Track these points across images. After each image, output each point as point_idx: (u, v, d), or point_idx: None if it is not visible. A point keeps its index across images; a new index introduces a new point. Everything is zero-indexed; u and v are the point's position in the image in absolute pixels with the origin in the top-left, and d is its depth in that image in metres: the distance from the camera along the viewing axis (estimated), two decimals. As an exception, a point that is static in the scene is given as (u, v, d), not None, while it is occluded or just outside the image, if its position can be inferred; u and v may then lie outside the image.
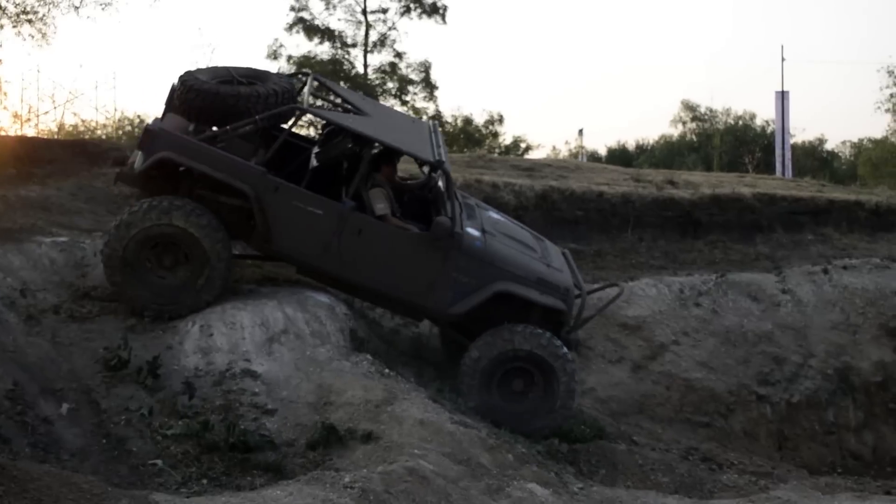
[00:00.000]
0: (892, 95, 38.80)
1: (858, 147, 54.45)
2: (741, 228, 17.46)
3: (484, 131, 33.94)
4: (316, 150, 11.18)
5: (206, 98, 10.23)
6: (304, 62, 34.05)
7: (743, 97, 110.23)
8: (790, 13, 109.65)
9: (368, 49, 35.12)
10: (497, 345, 10.30)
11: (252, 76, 10.91)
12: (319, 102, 12.07)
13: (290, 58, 35.29)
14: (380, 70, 34.72)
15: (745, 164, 37.89)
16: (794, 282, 15.89)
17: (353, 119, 10.81)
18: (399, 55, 34.87)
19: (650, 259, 16.41)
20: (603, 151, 54.13)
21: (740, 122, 54.53)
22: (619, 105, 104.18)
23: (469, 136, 32.83)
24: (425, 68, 34.68)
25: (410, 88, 34.53)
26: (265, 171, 9.96)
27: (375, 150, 10.75)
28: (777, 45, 61.94)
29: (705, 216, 17.30)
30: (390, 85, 34.46)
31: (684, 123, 57.58)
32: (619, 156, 49.57)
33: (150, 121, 10.92)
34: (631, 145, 57.59)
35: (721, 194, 17.75)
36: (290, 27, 35.82)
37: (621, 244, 16.60)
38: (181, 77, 10.45)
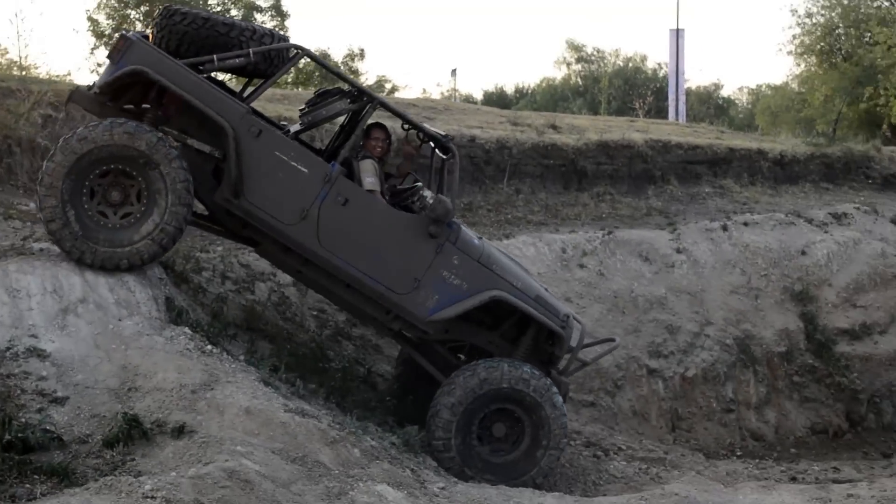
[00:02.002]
0: (794, 37, 39.04)
1: (756, 94, 55.16)
2: (631, 179, 17.10)
3: (343, 68, 32.86)
4: (303, 110, 10.30)
5: (195, 23, 9.46)
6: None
7: (634, 37, 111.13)
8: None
9: (209, -32, 33.76)
10: (487, 378, 9.49)
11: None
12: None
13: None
14: (217, -9, 33.43)
15: (636, 109, 37.62)
16: (690, 240, 15.63)
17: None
18: (245, -23, 33.56)
19: (528, 214, 15.86)
20: (479, 95, 53.78)
21: (630, 65, 54.76)
22: (497, 45, 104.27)
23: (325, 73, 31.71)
24: (276, -7, 33.55)
25: (257, 16, 33.31)
26: (250, 110, 9.31)
27: (370, 121, 10.10)
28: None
29: (591, 165, 16.85)
30: (234, 11, 33.12)
31: (569, 65, 57.66)
32: (497, 100, 49.15)
33: None
34: (510, 89, 57.42)
35: (609, 141, 17.33)
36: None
37: (495, 196, 16.04)
38: (164, 7, 9.65)
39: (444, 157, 10.34)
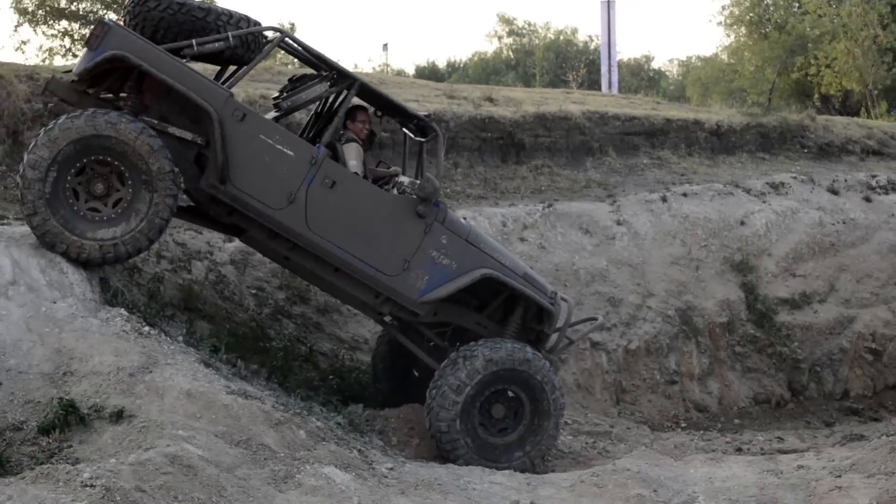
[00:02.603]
0: (724, 7, 39.18)
1: (687, 65, 55.40)
2: (569, 152, 16.98)
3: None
4: (278, 97, 10.13)
5: (171, 8, 9.24)
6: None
7: (565, 9, 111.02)
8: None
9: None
10: (491, 358, 9.37)
11: None
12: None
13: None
14: (149, -33, 32.49)
15: (569, 82, 37.53)
16: (630, 212, 15.56)
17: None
18: (170, -51, 32.60)
19: (467, 188, 15.69)
20: (411, 70, 53.31)
21: (562, 38, 54.72)
22: (427, 19, 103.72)
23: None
24: (203, -33, 32.74)
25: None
26: (232, 94, 9.08)
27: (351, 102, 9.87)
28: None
29: (529, 138, 16.69)
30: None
31: (500, 39, 57.49)
32: (429, 75, 48.70)
33: None
34: (442, 63, 57.07)
35: (546, 113, 17.17)
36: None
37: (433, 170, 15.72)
38: None
39: (424, 138, 10.26)
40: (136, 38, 8.86)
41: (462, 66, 55.70)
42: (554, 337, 10.20)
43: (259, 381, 9.17)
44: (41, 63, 23.42)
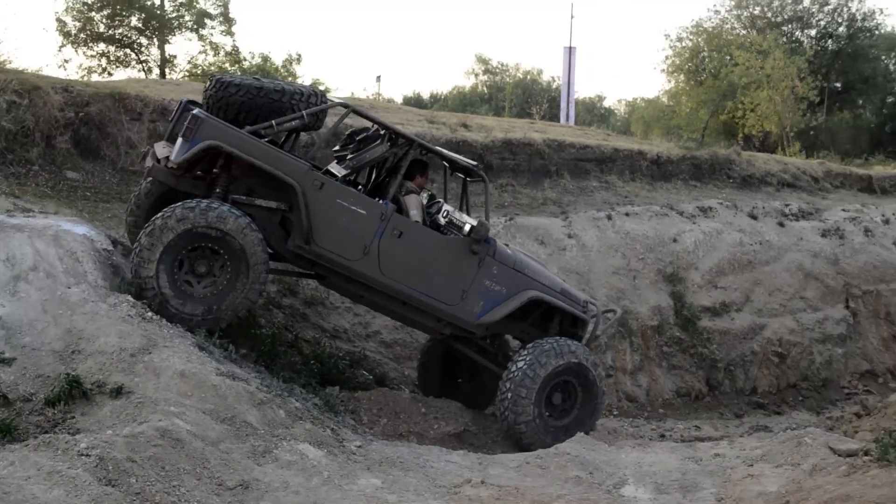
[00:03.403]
0: (666, 57, 39.20)
1: (632, 105, 55.39)
2: (530, 173, 16.64)
3: (282, 71, 31.95)
4: (340, 157, 9.91)
5: (250, 93, 9.03)
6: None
7: (533, 53, 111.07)
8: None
9: (165, -20, 32.47)
10: (554, 358, 9.50)
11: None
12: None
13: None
14: (177, 3, 32.12)
15: (533, 114, 37.30)
16: (580, 227, 15.27)
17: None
18: (197, -12, 32.36)
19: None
20: (399, 99, 53.01)
21: (529, 77, 54.67)
22: (415, 56, 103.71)
23: (266, 74, 30.80)
24: (223, 3, 32.26)
25: (208, 22, 32.16)
26: (311, 167, 9.05)
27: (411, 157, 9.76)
28: (568, 4, 62.58)
29: (497, 160, 16.35)
30: (187, 18, 31.98)
31: (477, 76, 57.47)
32: (415, 103, 48.24)
33: None
34: (426, 94, 56.91)
35: (513, 139, 16.83)
36: (87, -43, 32.52)
37: (414, 185, 15.40)
38: (214, 77, 9.27)
39: (470, 179, 10.46)
40: (225, 126, 8.64)
41: (443, 97, 55.58)
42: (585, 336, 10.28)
43: (248, 363, 8.77)
44: (79, 79, 22.87)
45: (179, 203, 8.52)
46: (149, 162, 9.34)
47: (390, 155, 9.89)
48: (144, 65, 32.32)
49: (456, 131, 16.71)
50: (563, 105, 35.27)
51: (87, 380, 7.02)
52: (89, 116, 12.08)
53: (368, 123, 9.95)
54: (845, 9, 47.84)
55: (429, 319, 9.68)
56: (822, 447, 7.60)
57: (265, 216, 9.00)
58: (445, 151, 10.24)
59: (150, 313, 8.11)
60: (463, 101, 51.15)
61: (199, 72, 31.70)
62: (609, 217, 15.70)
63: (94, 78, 29.54)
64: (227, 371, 7.62)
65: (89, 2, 31.08)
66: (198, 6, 32.24)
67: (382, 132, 9.79)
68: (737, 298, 15.75)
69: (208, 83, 9.32)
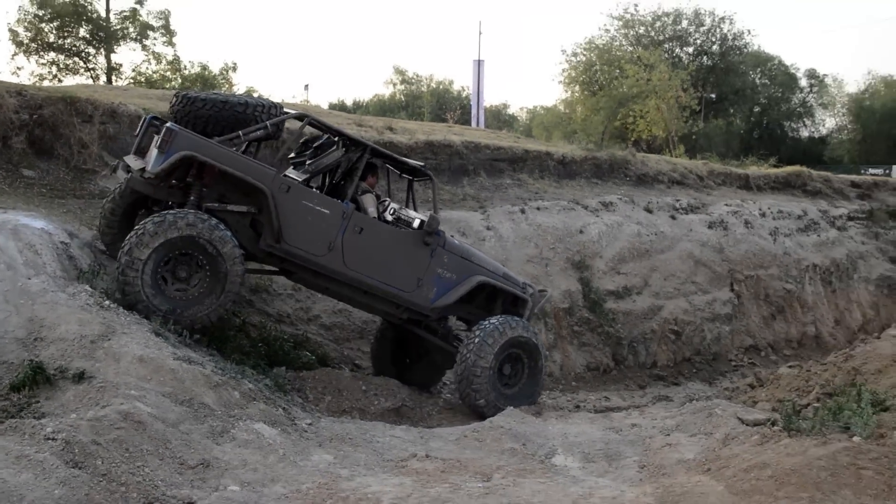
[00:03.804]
0: (563, 70, 39.47)
1: (533, 112, 55.73)
2: (451, 172, 16.37)
3: (220, 79, 31.16)
4: (297, 163, 9.76)
5: (216, 106, 8.89)
6: (46, 3, 29.96)
7: (446, 64, 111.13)
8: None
9: (110, -6, 31.42)
10: (505, 333, 9.56)
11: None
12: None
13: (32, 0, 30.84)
14: (121, 16, 31.12)
15: (447, 120, 37.19)
16: (497, 220, 15.10)
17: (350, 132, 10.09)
18: (140, 2, 31.31)
19: (372, 197, 14.95)
20: (325, 105, 52.31)
21: (441, 87, 54.59)
22: (340, 67, 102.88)
23: (205, 82, 30.00)
24: (165, 17, 31.40)
25: (150, 33, 31.22)
26: (278, 172, 8.84)
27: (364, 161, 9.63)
28: (477, 18, 62.84)
29: (420, 160, 15.95)
30: (131, 30, 30.98)
31: (395, 85, 57.21)
32: (339, 111, 47.88)
33: None
34: (349, 102, 56.43)
35: (434, 140, 16.56)
36: (33, -31, 31.22)
37: (346, 182, 15.03)
38: (180, 93, 9.10)
39: (417, 179, 10.58)
40: (197, 138, 8.39)
41: (365, 104, 55.15)
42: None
43: (201, 348, 8.35)
44: (32, 84, 21.95)
45: (182, 210, 8.29)
46: (120, 174, 9.13)
47: (345, 159, 9.75)
48: (92, 72, 31.58)
49: (383, 133, 16.39)
50: (473, 112, 35.21)
51: (50, 366, 6.55)
52: (43, 118, 11.45)
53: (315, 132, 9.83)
54: (718, 29, 49.08)
55: (388, 306, 9.60)
56: (732, 417, 7.52)
57: (236, 219, 8.77)
58: (395, 155, 10.13)
59: (107, 301, 7.67)
60: (383, 108, 50.90)
61: (143, 79, 30.96)
62: (522, 211, 15.56)
63: (46, 84, 28.61)
64: (183, 355, 7.22)
65: (40, 14, 30.25)
66: (141, 19, 31.52)
67: (336, 139, 9.70)
68: (637, 283, 15.77)
69: (174, 99, 9.08)
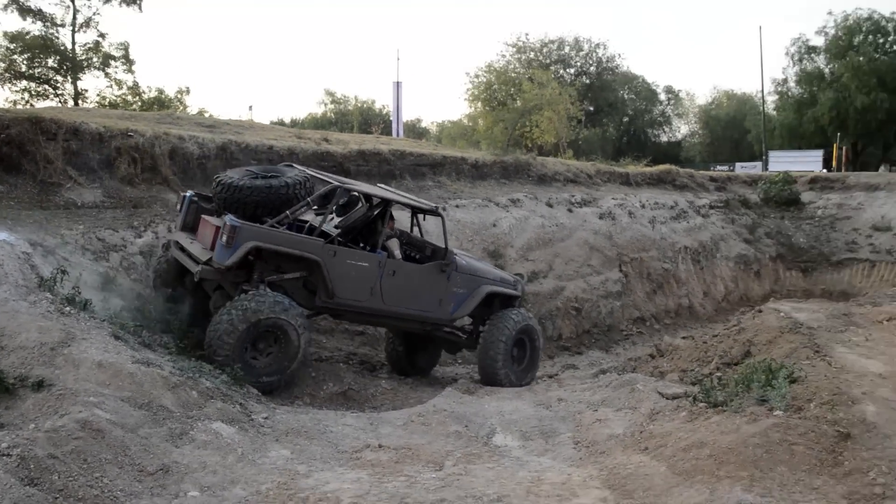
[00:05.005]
0: (467, 90, 38.96)
1: (442, 126, 55.06)
2: (380, 176, 15.50)
3: (175, 102, 29.55)
4: (322, 218, 9.08)
5: (262, 193, 8.39)
6: (18, 37, 27.94)
7: (369, 86, 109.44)
8: (406, 19, 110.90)
9: (76, 29, 29.41)
10: (519, 322, 9.85)
11: (270, 171, 9.01)
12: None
13: (5, 33, 28.76)
14: (86, 47, 29.23)
15: (372, 132, 36.26)
16: (422, 217, 14.24)
17: (377, 189, 9.99)
18: (102, 35, 29.53)
19: (312, 200, 13.99)
20: (267, 123, 50.69)
21: (365, 105, 53.51)
22: (279, 89, 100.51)
23: (161, 104, 28.42)
24: (125, 47, 29.68)
25: (112, 62, 29.41)
26: (324, 242, 8.46)
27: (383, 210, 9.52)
28: (395, 46, 61.84)
29: (353, 166, 15.15)
30: (95, 59, 29.13)
31: (326, 105, 55.89)
32: (280, 126, 46.44)
33: None
34: (287, 120, 54.84)
35: (365, 149, 15.68)
36: (5, 7, 28.98)
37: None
38: (220, 180, 8.58)
39: (428, 216, 10.43)
40: (258, 229, 8.01)
41: (301, 122, 53.68)
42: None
43: (161, 342, 7.38)
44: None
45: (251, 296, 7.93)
46: (173, 251, 8.84)
47: (371, 213, 9.59)
48: (61, 98, 29.71)
49: (320, 144, 15.45)
50: (394, 126, 34.37)
51: (9, 374, 5.53)
52: (10, 137, 10.23)
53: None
54: (595, 53, 49.18)
55: (415, 325, 9.62)
56: (653, 392, 6.92)
57: (292, 284, 8.52)
58: (412, 203, 9.94)
59: (68, 308, 6.64)
60: (316, 125, 49.53)
61: (106, 103, 29.25)
62: (444, 208, 14.81)
63: (18, 107, 26.70)
64: (142, 358, 6.24)
65: (12, 46, 28.31)
66: (103, 50, 29.74)
67: (356, 194, 9.50)
68: (543, 268, 15.22)
69: (217, 187, 8.54)
